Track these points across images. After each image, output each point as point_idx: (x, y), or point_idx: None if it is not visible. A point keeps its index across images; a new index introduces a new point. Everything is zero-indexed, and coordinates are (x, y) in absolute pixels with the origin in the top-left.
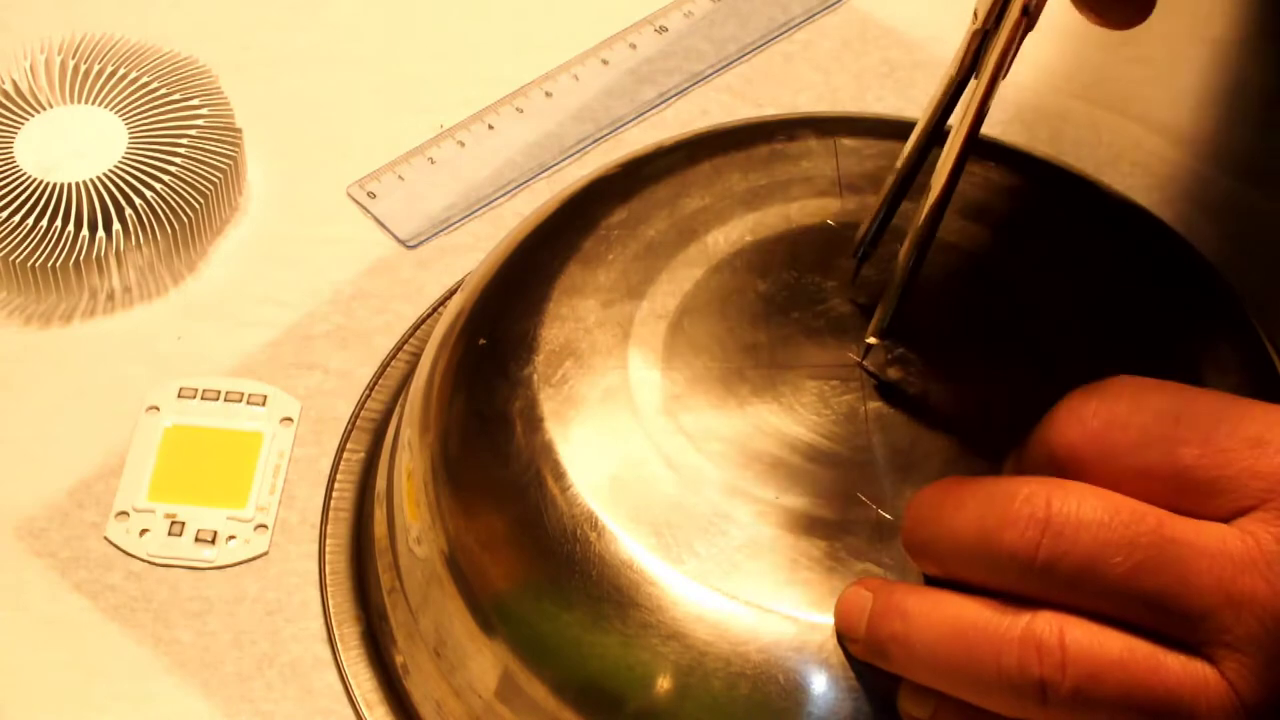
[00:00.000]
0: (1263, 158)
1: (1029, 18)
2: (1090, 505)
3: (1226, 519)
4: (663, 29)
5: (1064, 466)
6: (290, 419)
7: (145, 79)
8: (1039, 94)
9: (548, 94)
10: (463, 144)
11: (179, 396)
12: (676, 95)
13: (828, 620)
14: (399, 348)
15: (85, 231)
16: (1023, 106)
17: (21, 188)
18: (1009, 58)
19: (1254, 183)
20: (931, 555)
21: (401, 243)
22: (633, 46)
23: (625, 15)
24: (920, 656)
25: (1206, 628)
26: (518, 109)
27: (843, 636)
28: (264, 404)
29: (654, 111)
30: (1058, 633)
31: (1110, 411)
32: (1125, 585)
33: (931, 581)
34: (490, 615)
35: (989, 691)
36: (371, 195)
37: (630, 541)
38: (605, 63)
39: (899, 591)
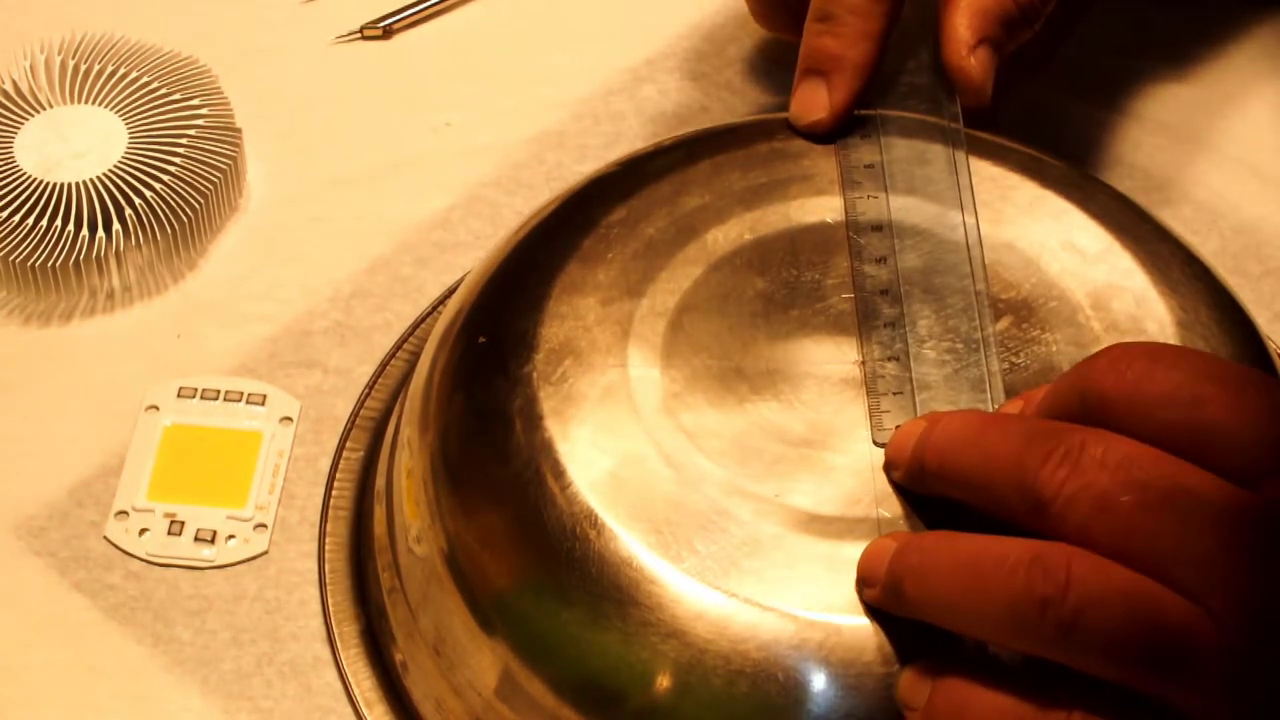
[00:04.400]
0: (1264, 157)
1: None
2: (1116, 450)
3: (1247, 480)
4: None
5: (1093, 411)
6: (290, 418)
7: (145, 79)
8: (1039, 94)
9: None
10: None
11: (178, 396)
12: None
13: (827, 618)
14: (398, 346)
15: (85, 231)
16: (1023, 107)
17: (21, 188)
18: None
19: (1254, 183)
20: (960, 478)
21: None
22: None
23: (637, 17)
24: (932, 586)
25: (1203, 576)
26: None
27: (861, 582)
28: (263, 403)
29: None
30: (1065, 558)
31: (1147, 366)
32: (1131, 524)
33: None
34: (490, 613)
35: (994, 620)
36: None
37: (630, 539)
38: None
39: (923, 534)
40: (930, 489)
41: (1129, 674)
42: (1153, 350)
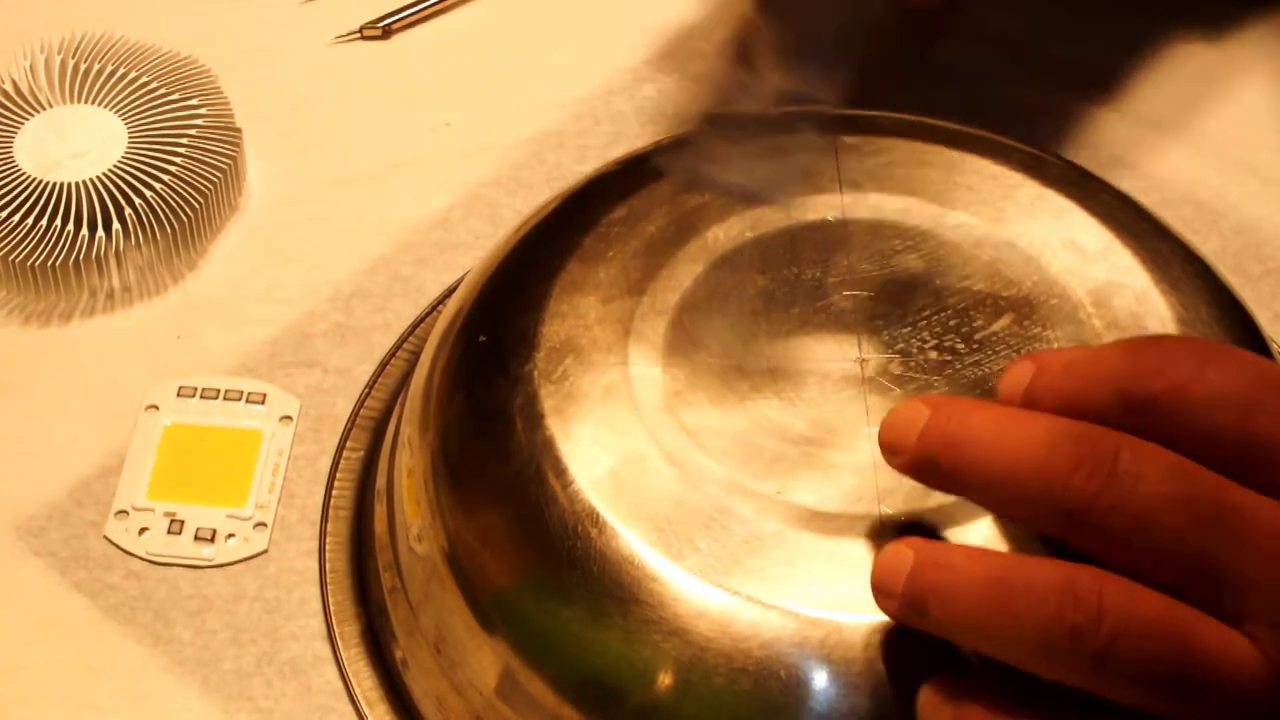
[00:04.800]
0: (1264, 157)
1: None
2: (1153, 462)
3: None
4: None
5: (1136, 410)
6: (289, 417)
7: (145, 79)
8: (1039, 94)
9: None
10: None
11: (178, 395)
12: None
13: (830, 616)
14: (398, 346)
15: (85, 231)
16: (1023, 106)
17: (21, 188)
18: None
19: (1254, 183)
20: (978, 479)
21: None
22: None
23: (637, 17)
24: (958, 607)
25: (1248, 600)
26: None
27: (878, 593)
28: (263, 402)
29: None
30: (1097, 585)
31: (1197, 369)
32: (1173, 544)
33: None
34: (491, 612)
35: (1024, 647)
36: None
37: (631, 537)
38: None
39: (944, 548)
40: (942, 487)
41: (1163, 704)
42: (1204, 351)
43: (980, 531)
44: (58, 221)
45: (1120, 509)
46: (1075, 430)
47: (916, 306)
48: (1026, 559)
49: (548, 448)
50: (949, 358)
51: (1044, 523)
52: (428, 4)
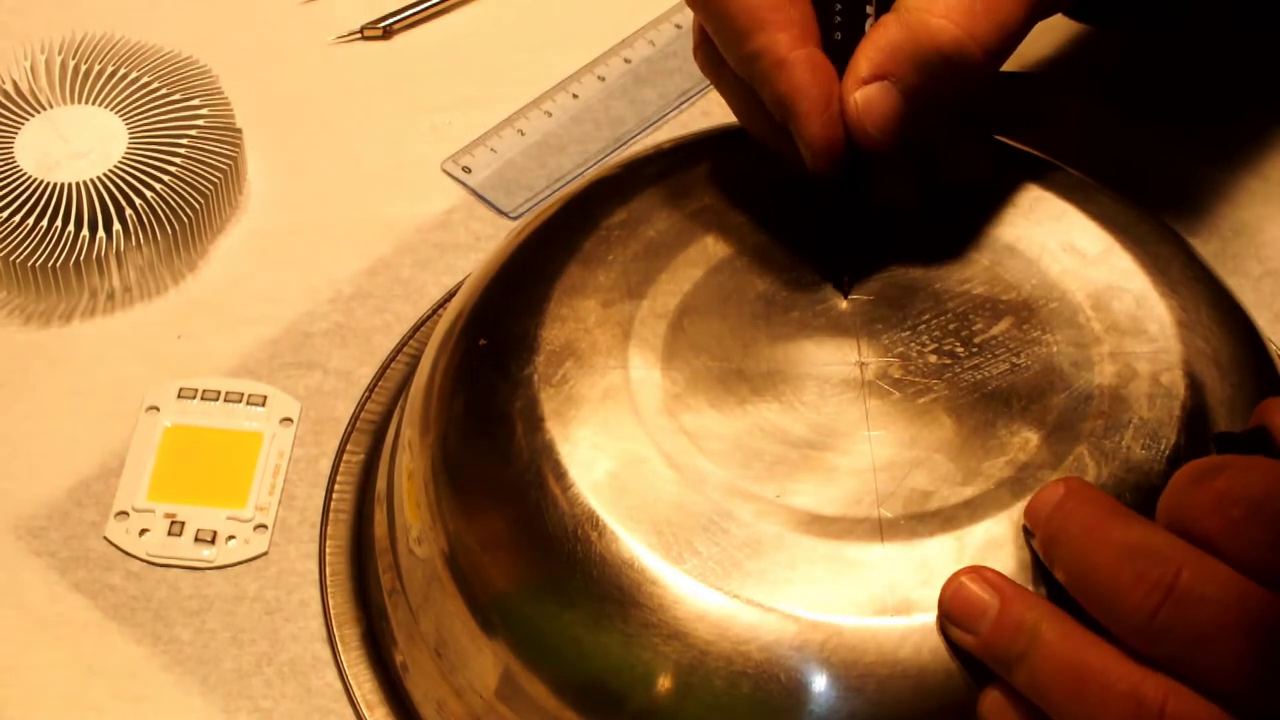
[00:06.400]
0: (1264, 158)
1: None
2: (1218, 586)
3: None
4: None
5: (1198, 546)
6: (290, 419)
7: (145, 79)
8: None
9: (574, 95)
10: (549, 114)
11: (179, 396)
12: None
13: (829, 619)
14: (399, 349)
15: (85, 231)
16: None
17: (21, 188)
18: None
19: (1254, 183)
20: (1062, 568)
21: (504, 214)
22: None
23: (637, 19)
24: (1039, 681)
25: None
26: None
27: (955, 624)
28: (264, 404)
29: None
30: (1161, 698)
31: (1255, 504)
32: (1232, 667)
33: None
34: (491, 615)
35: None
36: (467, 170)
37: (631, 541)
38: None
39: (1032, 607)
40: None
41: None
42: (1260, 484)
43: (979, 534)
44: (58, 222)
45: (1178, 630)
46: (1146, 542)
47: (916, 310)
48: (1107, 652)
49: (548, 451)
50: (949, 361)
51: (1116, 627)
52: (428, 4)
